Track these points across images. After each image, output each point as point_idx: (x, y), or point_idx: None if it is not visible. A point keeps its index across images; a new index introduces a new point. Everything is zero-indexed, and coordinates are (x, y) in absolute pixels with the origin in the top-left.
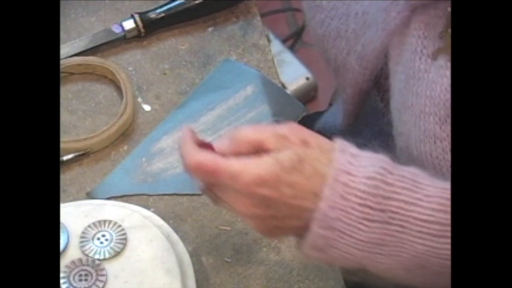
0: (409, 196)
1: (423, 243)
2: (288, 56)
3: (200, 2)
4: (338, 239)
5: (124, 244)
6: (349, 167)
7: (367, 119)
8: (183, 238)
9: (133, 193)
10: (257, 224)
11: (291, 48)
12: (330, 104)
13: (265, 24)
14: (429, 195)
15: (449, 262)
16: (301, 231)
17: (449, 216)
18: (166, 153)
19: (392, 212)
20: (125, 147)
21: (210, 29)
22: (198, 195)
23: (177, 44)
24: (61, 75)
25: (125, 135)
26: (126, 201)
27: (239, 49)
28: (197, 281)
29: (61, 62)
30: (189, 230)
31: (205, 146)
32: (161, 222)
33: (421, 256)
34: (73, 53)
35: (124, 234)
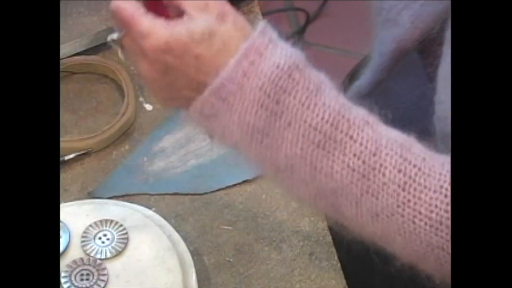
0: (308, 98)
1: (301, 147)
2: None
3: None
4: (225, 112)
5: (126, 244)
6: (262, 49)
7: (399, 77)
8: (184, 238)
9: (134, 193)
10: (154, 89)
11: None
12: None
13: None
14: (326, 104)
15: (318, 174)
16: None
17: (336, 132)
18: (168, 152)
19: (286, 108)
20: (127, 147)
21: None
22: (200, 194)
23: None
24: (63, 74)
25: (127, 134)
26: (127, 201)
27: None
28: (198, 281)
29: (63, 61)
30: (191, 229)
31: None
32: (162, 221)
33: (296, 159)
34: (74, 52)
35: (126, 233)
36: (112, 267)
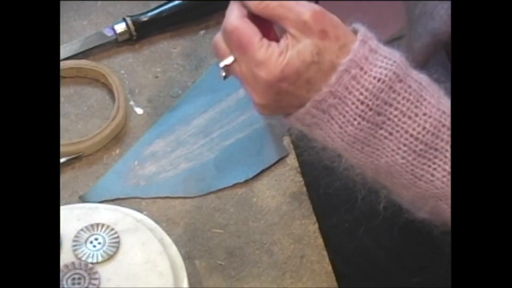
0: (409, 109)
1: (403, 156)
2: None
3: (192, 5)
4: (326, 123)
5: (117, 248)
6: (363, 62)
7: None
8: (176, 241)
9: (125, 196)
10: (263, 109)
11: None
12: None
13: None
14: (427, 114)
15: (418, 180)
16: None
17: (437, 141)
18: (159, 156)
19: (388, 118)
20: (118, 151)
21: (202, 32)
22: (190, 198)
23: (169, 47)
24: None
25: (118, 138)
26: (118, 205)
27: None
28: (190, 284)
29: None
30: (182, 233)
31: None
32: (153, 225)
33: (396, 167)
34: (65, 56)
35: (117, 237)
36: (104, 271)
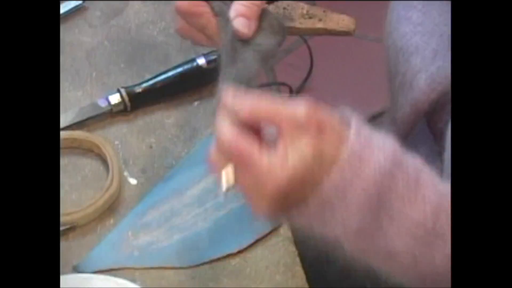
0: (408, 194)
1: (405, 241)
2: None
3: (186, 76)
4: (328, 216)
5: None
6: (361, 153)
7: (415, 142)
8: None
9: (119, 266)
10: (267, 215)
11: None
12: None
13: None
14: (426, 198)
15: (419, 263)
16: None
17: (437, 224)
18: (152, 226)
19: (389, 203)
20: (111, 221)
21: (196, 103)
22: (184, 268)
23: (163, 118)
24: None
25: (111, 208)
26: (112, 275)
27: None
28: None
29: None
30: None
31: None
32: None
33: (396, 250)
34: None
35: None
36: None
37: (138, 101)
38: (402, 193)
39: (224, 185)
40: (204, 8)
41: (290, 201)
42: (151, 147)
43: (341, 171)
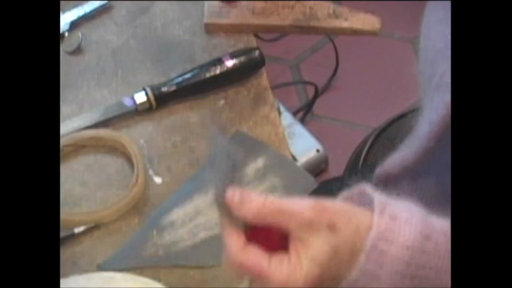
0: (442, 265)
1: None
2: (298, 129)
3: (212, 76)
4: None
5: None
6: (387, 234)
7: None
8: None
9: (143, 265)
10: None
11: (302, 121)
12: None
13: (275, 97)
14: None
15: None
16: None
17: None
18: (177, 225)
19: (423, 278)
20: (136, 220)
21: (221, 102)
22: (208, 268)
23: (188, 117)
24: (73, 147)
25: (136, 207)
26: (137, 274)
27: (250, 122)
28: None
29: (73, 135)
30: None
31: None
32: None
33: None
34: (85, 125)
35: None
36: None
37: (164, 100)
38: (436, 266)
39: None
40: None
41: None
42: (176, 146)
43: (368, 256)
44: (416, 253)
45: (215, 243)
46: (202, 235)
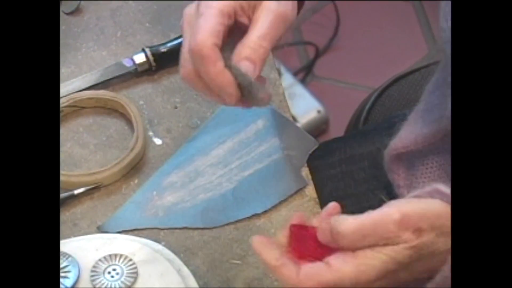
0: None
1: None
2: (299, 89)
3: None
4: None
5: (135, 278)
6: None
7: None
8: (194, 272)
9: (144, 227)
10: None
11: (302, 81)
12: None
13: (276, 57)
14: None
15: None
16: None
17: None
18: (177, 187)
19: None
20: (136, 181)
21: None
22: (209, 229)
23: None
24: (72, 109)
25: (136, 168)
26: (137, 235)
27: None
28: None
29: (72, 96)
30: (200, 264)
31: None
32: (172, 256)
33: None
34: (84, 87)
35: (135, 268)
36: None
37: (163, 61)
38: None
39: None
40: (218, 55)
41: None
42: (176, 107)
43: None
44: None
45: (215, 205)
46: (202, 196)
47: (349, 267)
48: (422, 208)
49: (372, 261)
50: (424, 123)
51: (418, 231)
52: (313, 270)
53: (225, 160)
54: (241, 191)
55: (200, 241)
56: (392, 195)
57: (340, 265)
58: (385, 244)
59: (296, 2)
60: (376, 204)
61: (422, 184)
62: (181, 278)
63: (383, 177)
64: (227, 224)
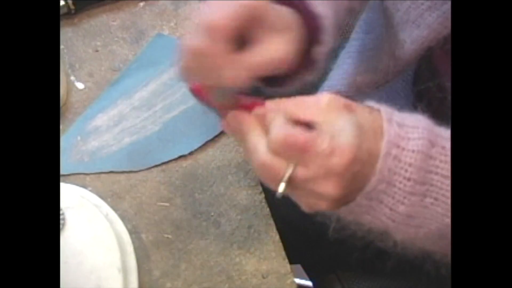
0: (448, 170)
1: (450, 216)
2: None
3: None
4: (377, 209)
5: (62, 225)
6: (398, 140)
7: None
8: (122, 216)
9: (69, 173)
10: (335, 204)
11: None
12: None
13: None
14: None
15: None
16: None
17: None
18: (102, 131)
19: (431, 185)
20: (60, 127)
21: (141, 4)
22: (135, 172)
23: (108, 20)
24: None
25: (59, 114)
26: (63, 181)
27: (171, 23)
28: (137, 259)
29: None
30: (128, 207)
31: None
32: (99, 201)
33: (446, 228)
34: None
35: (62, 214)
36: None
37: (83, 4)
38: (442, 171)
39: (283, 185)
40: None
41: (357, 181)
42: (97, 50)
43: (384, 162)
44: (424, 157)
45: (141, 148)
46: (127, 140)
47: (325, 140)
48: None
49: (342, 135)
50: (356, 68)
51: (349, 106)
52: (300, 132)
53: (149, 103)
54: (167, 133)
55: (127, 184)
56: None
57: (320, 138)
58: (328, 122)
59: None
60: None
61: None
62: (109, 222)
63: None
64: (154, 167)
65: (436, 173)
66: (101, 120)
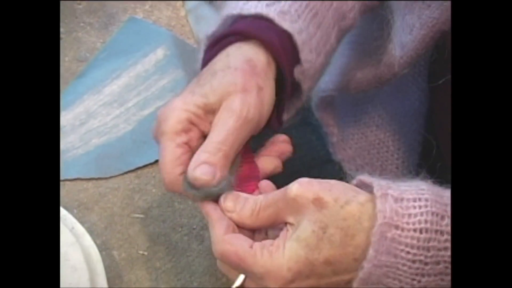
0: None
1: None
2: (205, 11)
3: None
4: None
5: None
6: (395, 219)
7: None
8: (90, 230)
9: None
10: None
11: (210, 0)
12: None
13: None
14: None
15: None
16: None
17: None
18: (66, 131)
19: (449, 262)
20: None
21: None
22: (105, 179)
23: (73, 3)
24: None
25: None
26: None
27: (145, 6)
28: (108, 279)
29: None
30: (97, 220)
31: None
32: (63, 212)
33: None
34: None
35: None
36: None
37: None
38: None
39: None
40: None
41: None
42: (60, 37)
43: (378, 247)
44: (433, 235)
45: (111, 150)
46: (95, 141)
47: (262, 257)
48: (327, 181)
49: (281, 250)
50: (356, 63)
51: (317, 201)
52: (236, 246)
53: (121, 98)
54: (141, 134)
55: (96, 193)
56: None
57: (258, 254)
58: (291, 223)
59: (260, 105)
60: None
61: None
62: (74, 237)
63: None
64: (127, 173)
65: (446, 249)
66: (65, 118)
